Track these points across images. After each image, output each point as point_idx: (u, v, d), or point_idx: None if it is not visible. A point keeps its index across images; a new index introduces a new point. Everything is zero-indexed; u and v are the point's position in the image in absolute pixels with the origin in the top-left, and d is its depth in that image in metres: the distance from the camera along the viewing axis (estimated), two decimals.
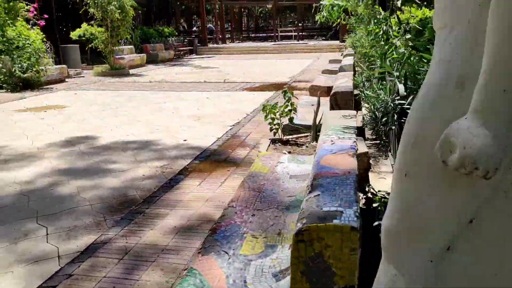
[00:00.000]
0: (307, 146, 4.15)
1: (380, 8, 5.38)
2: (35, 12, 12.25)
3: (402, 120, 3.12)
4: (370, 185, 2.69)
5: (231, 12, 33.15)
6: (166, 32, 21.77)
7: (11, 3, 11.23)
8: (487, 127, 0.84)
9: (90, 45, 13.89)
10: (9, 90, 10.66)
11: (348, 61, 7.96)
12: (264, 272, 1.90)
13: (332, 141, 2.52)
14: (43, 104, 8.95)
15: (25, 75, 10.70)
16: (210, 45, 26.01)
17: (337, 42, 22.83)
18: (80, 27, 14.60)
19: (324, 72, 9.38)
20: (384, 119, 3.28)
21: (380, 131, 4.28)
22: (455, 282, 1.01)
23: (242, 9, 36.00)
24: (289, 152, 3.93)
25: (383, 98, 3.18)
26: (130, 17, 13.84)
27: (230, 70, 14.78)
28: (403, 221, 1.06)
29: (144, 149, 5.35)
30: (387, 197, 2.57)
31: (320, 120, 4.41)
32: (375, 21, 4.76)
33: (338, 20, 6.75)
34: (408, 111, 3.15)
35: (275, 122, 4.52)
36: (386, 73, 3.88)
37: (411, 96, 3.16)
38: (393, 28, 3.81)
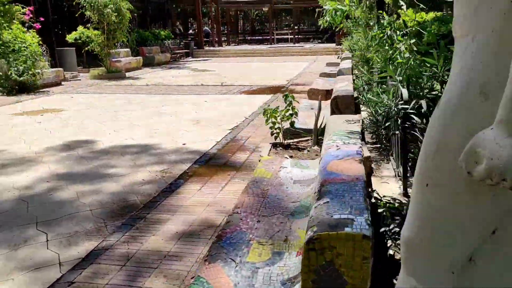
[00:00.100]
0: (308, 151, 4.13)
1: (384, 12, 5.40)
2: (31, 15, 12.20)
3: (406, 125, 3.12)
4: (374, 190, 2.67)
5: (227, 15, 33.17)
6: (162, 35, 21.71)
7: (6, 6, 11.17)
8: None
9: (86, 48, 13.83)
10: (5, 94, 10.60)
11: (346, 64, 7.93)
12: (273, 280, 1.87)
13: (337, 146, 2.50)
14: (40, 107, 8.89)
15: (21, 78, 10.64)
16: (206, 48, 25.98)
17: (333, 45, 22.88)
18: (76, 30, 14.53)
19: (322, 75, 9.36)
20: (387, 124, 3.27)
21: (381, 135, 4.27)
22: None
23: (238, 12, 35.99)
24: (291, 157, 3.91)
25: (386, 103, 3.17)
26: (126, 20, 13.79)
27: (227, 73, 14.76)
28: (424, 231, 1.04)
29: (143, 153, 5.31)
30: (392, 202, 2.56)
31: (321, 125, 4.40)
32: (378, 25, 4.77)
33: (341, 25, 6.77)
34: (411, 116, 3.14)
35: (276, 126, 4.50)
36: (388, 77, 3.87)
37: (414, 101, 3.15)
38: (398, 32, 3.81)
